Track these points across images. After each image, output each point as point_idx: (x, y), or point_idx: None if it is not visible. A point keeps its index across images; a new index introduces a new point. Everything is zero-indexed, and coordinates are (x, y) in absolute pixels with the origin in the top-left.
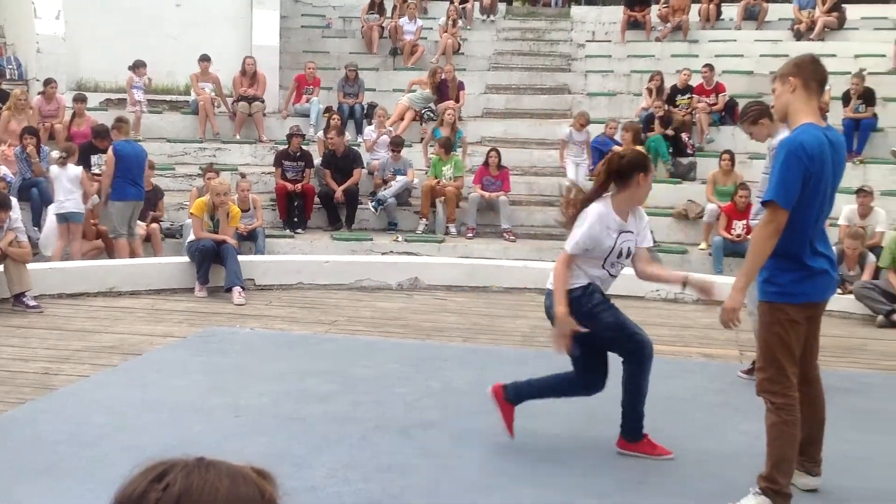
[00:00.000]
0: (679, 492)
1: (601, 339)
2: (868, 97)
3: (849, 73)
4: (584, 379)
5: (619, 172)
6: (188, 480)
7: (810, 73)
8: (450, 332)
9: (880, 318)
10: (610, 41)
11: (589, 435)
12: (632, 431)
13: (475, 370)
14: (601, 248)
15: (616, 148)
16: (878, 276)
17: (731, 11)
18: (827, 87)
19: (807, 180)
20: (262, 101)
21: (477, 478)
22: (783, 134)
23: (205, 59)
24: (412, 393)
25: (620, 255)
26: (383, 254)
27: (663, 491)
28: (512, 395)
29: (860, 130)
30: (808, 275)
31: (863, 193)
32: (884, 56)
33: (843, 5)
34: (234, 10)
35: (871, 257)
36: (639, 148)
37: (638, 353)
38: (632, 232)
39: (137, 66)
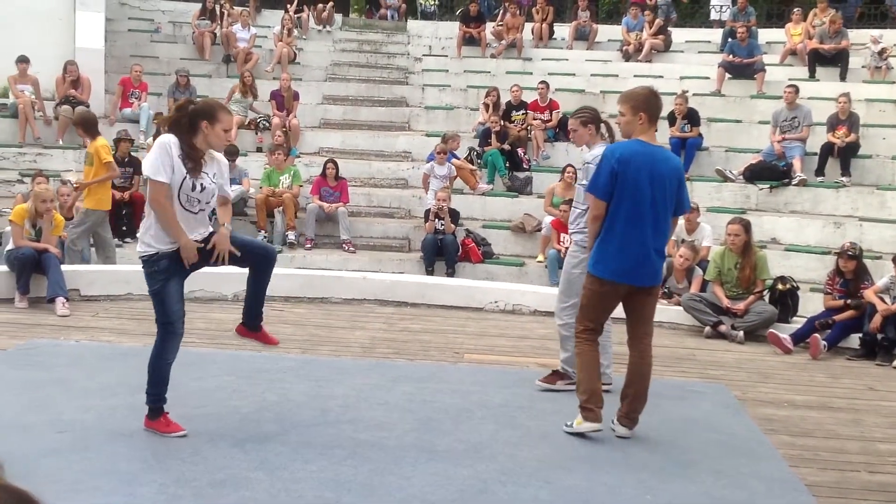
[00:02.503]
0: (513, 500)
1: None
2: (693, 117)
3: (675, 93)
4: (170, 322)
5: (190, 118)
6: None
7: (655, 110)
8: (287, 344)
9: (707, 329)
10: (446, 56)
11: (425, 446)
12: (153, 407)
13: (313, 382)
14: (173, 181)
15: (454, 161)
16: (704, 289)
17: (563, 31)
18: None
19: (614, 177)
20: (87, 106)
21: (316, 491)
22: (600, 148)
23: (23, 60)
24: (247, 405)
25: (194, 188)
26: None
27: (498, 500)
28: (249, 325)
29: (686, 149)
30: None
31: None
32: (708, 78)
33: (669, 28)
34: (56, 10)
35: (699, 271)
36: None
37: (163, 333)
38: (207, 174)
39: None
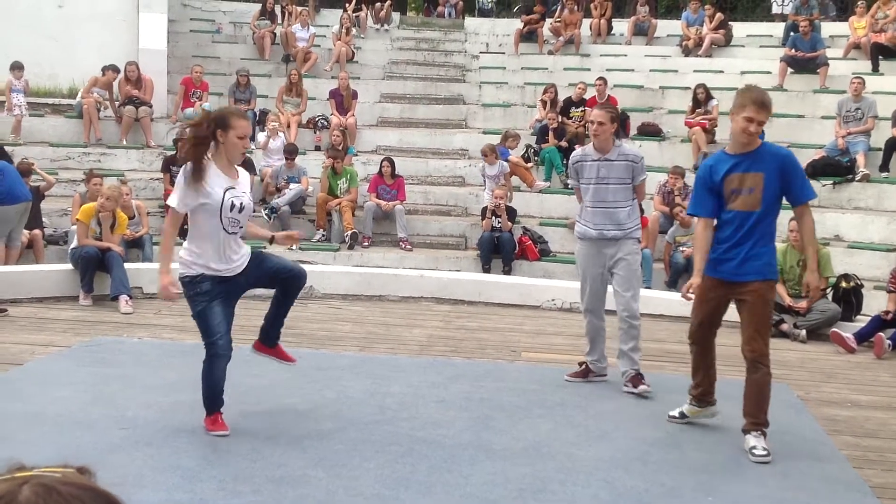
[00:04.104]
0: (572, 500)
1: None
2: None
3: (735, 88)
4: (215, 345)
5: (205, 132)
6: None
7: None
8: (345, 342)
9: None
10: (504, 53)
11: (483, 444)
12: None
13: (371, 379)
14: (207, 202)
15: (511, 157)
16: None
17: (621, 27)
18: (715, 103)
19: None
20: (150, 106)
21: (374, 488)
22: (624, 149)
23: (114, 69)
24: (305, 402)
25: (233, 208)
26: None
27: (558, 499)
28: (266, 342)
29: None
30: None
31: None
32: (769, 73)
33: (729, 23)
34: (119, 12)
35: None
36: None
37: (208, 355)
38: (241, 189)
39: (15, 68)
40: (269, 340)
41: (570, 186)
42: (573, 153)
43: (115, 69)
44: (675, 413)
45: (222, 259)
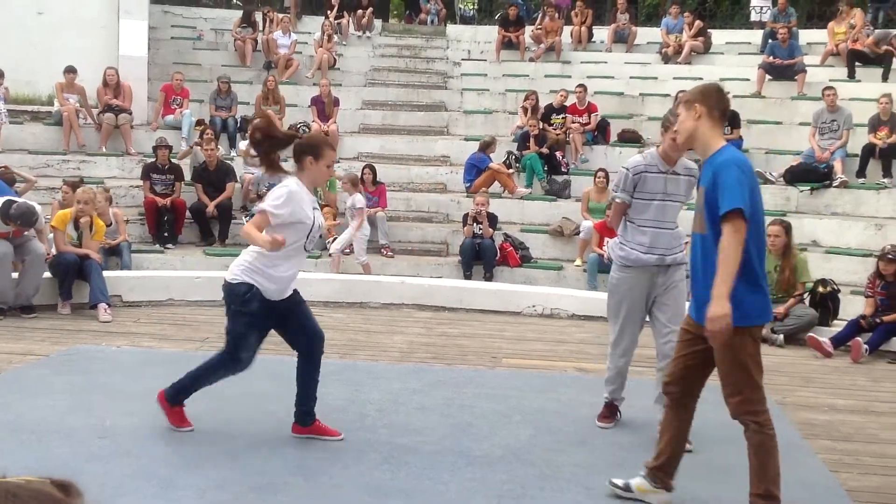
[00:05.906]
0: None
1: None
2: (733, 119)
3: None
4: (239, 358)
5: (294, 153)
6: None
7: (715, 102)
8: (326, 349)
9: None
10: (485, 60)
11: (463, 451)
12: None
13: (352, 386)
14: (304, 222)
15: (492, 164)
16: None
17: (601, 34)
18: None
19: (751, 193)
20: (130, 113)
21: (355, 495)
22: (686, 163)
23: (70, 70)
24: (285, 410)
25: (318, 228)
26: None
27: None
28: (171, 397)
29: None
30: (763, 295)
31: None
32: (748, 80)
33: (708, 30)
34: (99, 18)
35: None
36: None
37: (228, 362)
38: (317, 208)
39: None
40: (301, 418)
41: (613, 199)
42: (633, 160)
43: (72, 70)
44: (619, 483)
45: (285, 287)
